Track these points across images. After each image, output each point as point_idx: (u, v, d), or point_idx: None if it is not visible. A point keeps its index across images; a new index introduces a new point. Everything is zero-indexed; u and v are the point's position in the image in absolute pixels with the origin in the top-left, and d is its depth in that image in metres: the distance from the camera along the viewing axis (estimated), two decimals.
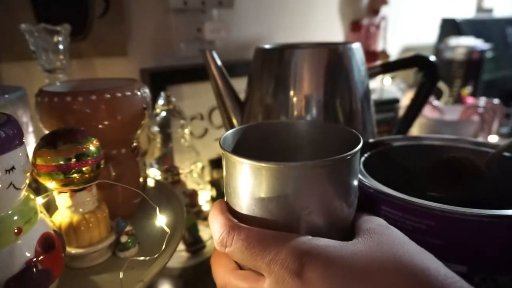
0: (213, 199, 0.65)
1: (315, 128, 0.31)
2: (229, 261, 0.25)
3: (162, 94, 0.59)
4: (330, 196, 0.23)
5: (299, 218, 0.23)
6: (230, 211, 0.25)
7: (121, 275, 0.29)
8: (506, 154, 0.36)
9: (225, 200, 0.27)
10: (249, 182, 0.23)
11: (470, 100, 1.08)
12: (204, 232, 0.58)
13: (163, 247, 0.32)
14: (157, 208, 0.33)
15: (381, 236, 0.22)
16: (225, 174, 0.26)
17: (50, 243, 0.26)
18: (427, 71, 0.54)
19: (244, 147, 0.29)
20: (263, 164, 0.22)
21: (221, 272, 0.25)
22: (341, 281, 0.19)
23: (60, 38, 0.51)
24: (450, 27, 1.32)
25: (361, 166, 0.34)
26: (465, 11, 1.54)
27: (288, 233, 0.22)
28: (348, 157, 0.23)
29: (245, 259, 0.22)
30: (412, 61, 0.56)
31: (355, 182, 0.25)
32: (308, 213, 0.23)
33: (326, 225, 0.23)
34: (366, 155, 0.36)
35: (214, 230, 0.24)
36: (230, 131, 0.29)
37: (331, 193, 0.23)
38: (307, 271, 0.20)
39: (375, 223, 0.24)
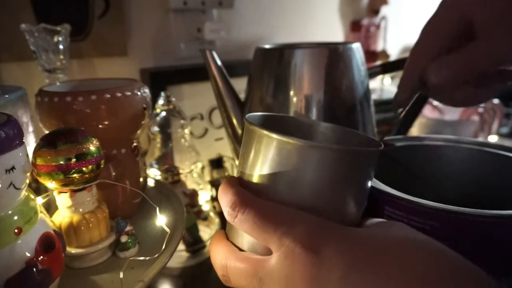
0: (213, 199, 0.65)
1: (334, 132, 0.31)
2: (229, 243, 0.25)
3: (162, 94, 0.59)
4: (348, 187, 0.23)
5: (313, 204, 0.23)
6: (242, 185, 0.25)
7: (121, 275, 0.29)
8: (504, 153, 0.36)
9: (237, 174, 0.26)
10: (272, 158, 0.23)
11: None
12: (204, 232, 0.58)
13: (163, 247, 0.32)
14: (157, 208, 0.33)
15: (393, 225, 0.22)
16: (244, 148, 0.25)
17: (50, 243, 0.26)
18: None
19: None
20: (291, 141, 0.22)
21: (221, 254, 0.24)
22: (359, 257, 0.19)
23: (60, 38, 0.51)
24: None
25: None
26: None
27: (303, 212, 0.22)
28: (371, 153, 0.23)
29: (256, 230, 0.22)
30: None
31: (369, 184, 0.25)
32: (323, 200, 0.23)
33: (336, 218, 0.23)
34: None
35: (225, 199, 0.24)
36: (255, 114, 0.29)
37: (349, 185, 0.23)
38: (324, 246, 0.19)
39: (381, 219, 0.24)
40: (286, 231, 0.20)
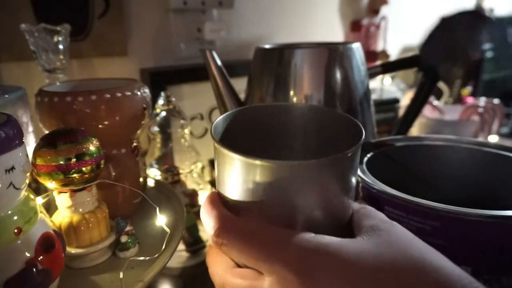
0: None
1: (312, 112, 0.29)
2: (226, 259, 0.24)
3: (162, 94, 0.59)
4: (330, 192, 0.22)
5: (297, 213, 0.22)
6: (223, 203, 0.24)
7: (121, 275, 0.29)
8: (504, 153, 0.36)
9: (217, 191, 0.25)
10: (243, 178, 0.22)
11: (470, 100, 1.08)
12: (204, 232, 0.58)
13: (163, 247, 0.32)
14: (157, 208, 0.33)
15: (388, 233, 0.21)
16: (217, 165, 0.24)
17: (50, 243, 0.26)
18: (427, 71, 0.54)
19: (238, 132, 0.27)
20: (257, 162, 0.21)
21: (218, 271, 0.24)
22: (351, 282, 0.19)
23: (60, 38, 0.51)
24: None
25: (364, 166, 0.34)
26: None
27: (289, 230, 0.21)
28: (350, 154, 0.21)
29: (244, 257, 0.21)
30: (412, 61, 0.56)
31: (355, 177, 0.24)
32: (306, 209, 0.22)
33: (325, 220, 0.22)
34: (368, 155, 0.36)
35: (208, 225, 0.23)
36: (221, 117, 0.27)
37: (330, 190, 0.22)
38: (314, 271, 0.19)
39: (377, 219, 0.23)
40: (274, 257, 0.20)
